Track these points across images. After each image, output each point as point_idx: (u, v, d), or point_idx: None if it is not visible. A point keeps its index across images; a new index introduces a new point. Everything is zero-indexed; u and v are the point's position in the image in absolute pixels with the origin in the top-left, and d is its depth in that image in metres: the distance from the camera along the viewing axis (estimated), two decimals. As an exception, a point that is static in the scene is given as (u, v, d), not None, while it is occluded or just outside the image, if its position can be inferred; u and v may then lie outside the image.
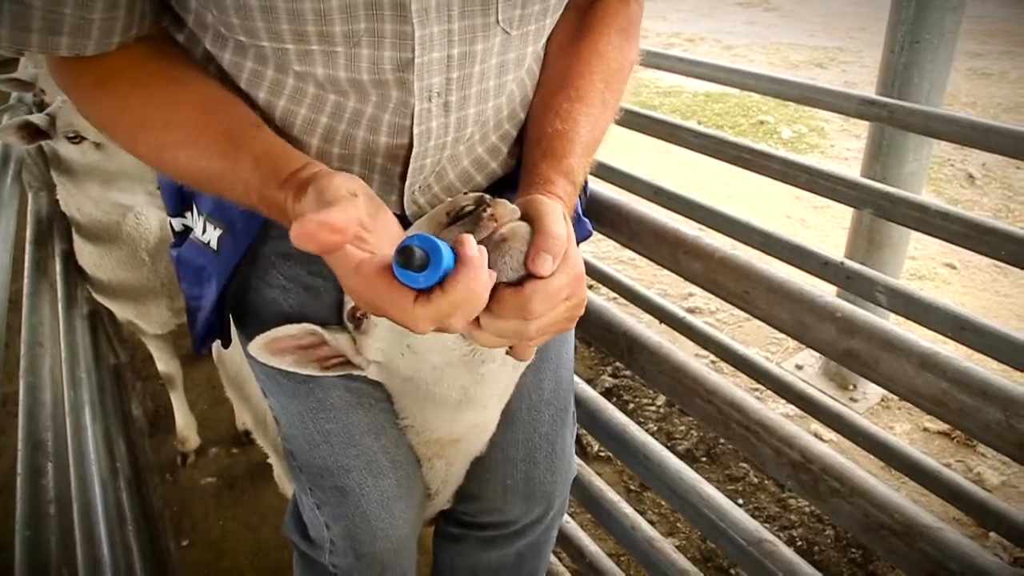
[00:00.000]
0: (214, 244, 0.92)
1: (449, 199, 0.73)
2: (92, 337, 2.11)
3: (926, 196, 2.02)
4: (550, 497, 1.15)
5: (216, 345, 1.49)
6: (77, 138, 1.64)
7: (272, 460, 1.56)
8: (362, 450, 0.99)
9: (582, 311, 0.74)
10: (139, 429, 2.45)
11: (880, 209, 1.77)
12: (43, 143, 1.74)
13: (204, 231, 0.93)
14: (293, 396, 0.98)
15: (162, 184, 1.00)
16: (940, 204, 1.71)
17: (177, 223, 1.01)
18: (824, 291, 0.89)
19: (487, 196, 0.69)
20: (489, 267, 0.63)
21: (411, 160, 0.83)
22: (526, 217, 0.68)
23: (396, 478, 1.02)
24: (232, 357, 1.52)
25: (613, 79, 0.89)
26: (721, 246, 0.97)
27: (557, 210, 0.69)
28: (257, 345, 0.87)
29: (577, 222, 1.04)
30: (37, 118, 1.63)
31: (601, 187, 1.19)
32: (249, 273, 0.94)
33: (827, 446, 0.96)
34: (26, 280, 1.59)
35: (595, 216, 1.14)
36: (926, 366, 0.78)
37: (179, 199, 0.98)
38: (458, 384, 0.88)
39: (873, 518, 0.89)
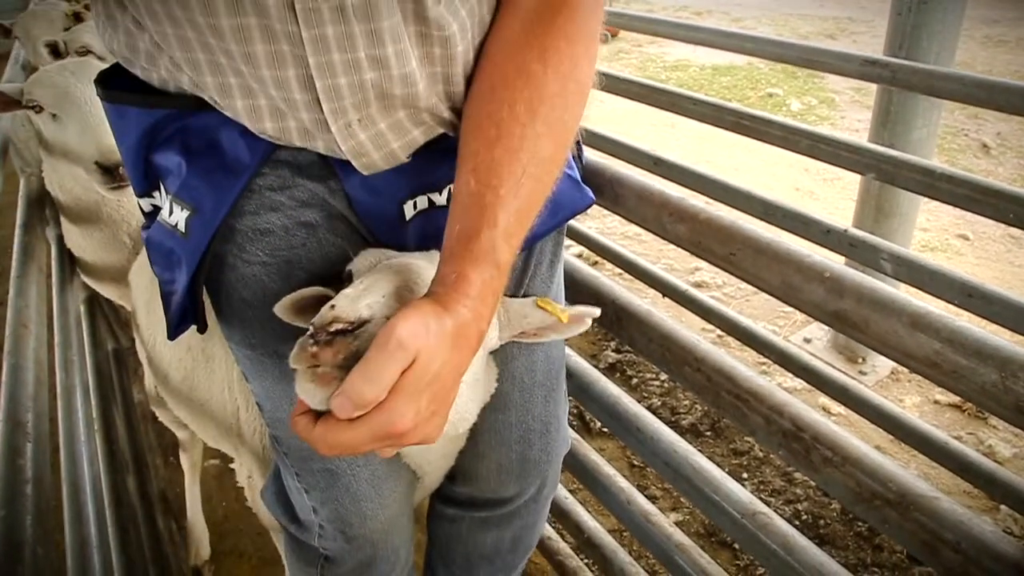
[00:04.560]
0: (182, 226, 0.87)
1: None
2: (90, 321, 2.11)
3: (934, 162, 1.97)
4: (544, 475, 1.13)
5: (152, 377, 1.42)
6: (37, 107, 1.62)
7: (240, 464, 1.47)
8: None
9: (407, 444, 0.68)
10: (141, 412, 2.45)
11: (884, 173, 1.71)
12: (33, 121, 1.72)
13: (171, 212, 0.88)
14: (279, 377, 0.94)
15: (127, 162, 0.94)
16: (945, 167, 1.66)
17: (146, 203, 0.96)
18: (811, 251, 0.85)
19: (334, 324, 0.65)
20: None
21: (314, 74, 0.73)
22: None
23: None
24: (181, 361, 1.43)
25: (547, 106, 0.75)
26: (706, 207, 0.93)
27: (391, 351, 0.61)
28: (284, 305, 0.84)
29: (577, 190, 0.99)
30: (7, 87, 1.61)
31: (585, 152, 1.15)
32: (226, 250, 0.90)
33: (819, 414, 0.92)
34: (14, 263, 1.58)
35: (578, 180, 1.10)
36: (918, 326, 0.75)
37: (145, 178, 0.93)
38: None
39: (866, 487, 0.86)
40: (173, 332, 0.96)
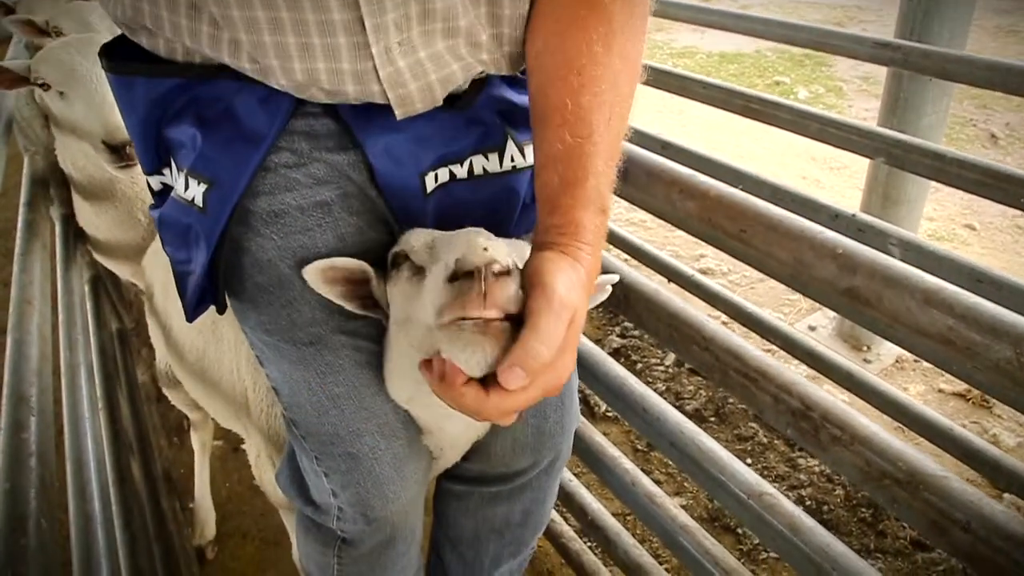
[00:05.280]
0: (199, 201, 0.85)
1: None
2: (94, 301, 2.10)
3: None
4: (558, 448, 1.12)
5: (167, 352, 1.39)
6: (44, 84, 1.61)
7: (250, 444, 1.49)
8: (374, 412, 0.94)
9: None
10: (145, 393, 2.45)
11: (893, 158, 1.70)
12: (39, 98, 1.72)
13: (187, 187, 0.86)
14: (297, 362, 0.93)
15: (135, 138, 0.92)
16: (956, 151, 1.65)
17: (155, 181, 0.94)
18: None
19: (495, 264, 0.61)
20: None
21: None
22: (525, 284, 0.63)
23: (407, 438, 0.99)
24: (193, 343, 1.43)
25: (620, 38, 0.76)
26: (716, 184, 0.92)
27: (558, 311, 0.61)
28: (313, 270, 0.84)
29: None
30: (13, 63, 1.60)
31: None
32: (240, 234, 0.88)
33: (827, 393, 0.92)
34: (17, 240, 1.58)
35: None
36: (931, 302, 0.73)
37: (155, 155, 0.91)
38: (409, 380, 0.87)
39: (875, 467, 0.85)
40: (191, 314, 0.95)
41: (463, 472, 1.15)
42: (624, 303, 1.13)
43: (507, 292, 0.61)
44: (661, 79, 2.32)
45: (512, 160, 0.93)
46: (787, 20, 2.18)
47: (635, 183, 1.03)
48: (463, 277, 0.62)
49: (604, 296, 0.87)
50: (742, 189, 1.81)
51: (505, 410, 0.63)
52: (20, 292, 1.39)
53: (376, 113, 0.86)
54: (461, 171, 0.90)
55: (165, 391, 1.87)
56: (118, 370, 2.08)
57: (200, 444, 2.10)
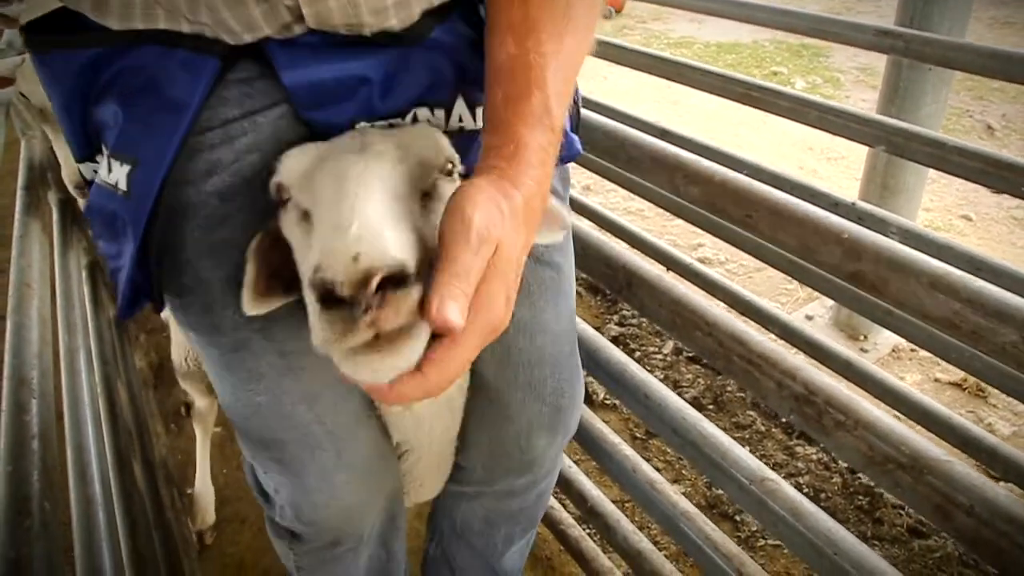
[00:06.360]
0: (123, 184, 0.77)
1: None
2: (92, 287, 2.10)
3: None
4: (568, 423, 1.07)
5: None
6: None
7: None
8: (295, 423, 0.88)
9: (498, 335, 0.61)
10: (142, 380, 2.45)
11: (894, 146, 1.70)
12: None
13: (110, 170, 0.79)
14: (224, 367, 0.88)
15: (63, 121, 0.84)
16: (956, 140, 1.65)
17: (87, 169, 0.87)
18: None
19: (374, 278, 0.49)
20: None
21: None
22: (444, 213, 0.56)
23: (335, 449, 0.91)
24: None
25: None
26: (721, 169, 0.92)
27: (475, 245, 0.54)
28: (248, 301, 0.74)
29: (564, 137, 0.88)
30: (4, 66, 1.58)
31: (597, 115, 1.13)
32: (165, 230, 0.79)
33: (830, 379, 0.92)
34: (16, 223, 1.57)
35: (589, 143, 1.08)
36: (937, 286, 0.74)
37: (84, 139, 0.84)
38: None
39: (878, 451, 0.85)
40: (124, 313, 0.87)
41: (467, 478, 1.11)
42: (627, 289, 1.13)
43: (405, 307, 0.49)
44: (659, 66, 2.31)
45: (460, 120, 0.82)
46: (789, 8, 2.17)
47: (638, 168, 1.02)
48: (335, 305, 0.49)
49: (561, 234, 0.78)
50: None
51: (452, 372, 0.57)
52: (19, 276, 1.38)
53: (305, 51, 0.77)
54: (403, 124, 0.81)
55: (181, 381, 1.95)
56: (116, 356, 2.08)
57: (203, 430, 2.11)
